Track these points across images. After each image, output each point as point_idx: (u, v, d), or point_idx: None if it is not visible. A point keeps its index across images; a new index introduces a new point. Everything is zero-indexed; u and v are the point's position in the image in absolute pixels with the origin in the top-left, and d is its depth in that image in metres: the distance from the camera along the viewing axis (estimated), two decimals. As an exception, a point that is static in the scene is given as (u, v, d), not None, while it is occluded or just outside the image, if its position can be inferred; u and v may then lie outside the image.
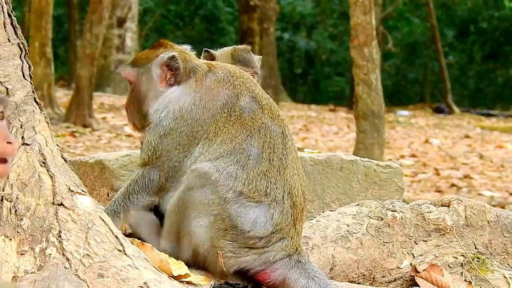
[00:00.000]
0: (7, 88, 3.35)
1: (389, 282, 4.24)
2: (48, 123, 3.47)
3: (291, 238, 3.64)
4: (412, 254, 4.28)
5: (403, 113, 27.42)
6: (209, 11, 35.57)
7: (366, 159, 5.18)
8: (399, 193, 5.14)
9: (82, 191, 3.36)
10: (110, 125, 17.46)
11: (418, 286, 4.19)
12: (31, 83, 3.45)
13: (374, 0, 10.51)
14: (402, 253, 4.27)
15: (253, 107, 3.70)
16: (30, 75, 3.46)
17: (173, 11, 36.43)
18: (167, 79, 3.80)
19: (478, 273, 4.29)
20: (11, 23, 3.42)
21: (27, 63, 3.46)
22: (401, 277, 4.26)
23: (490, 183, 13.35)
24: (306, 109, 27.81)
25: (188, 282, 3.47)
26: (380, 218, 4.28)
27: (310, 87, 39.28)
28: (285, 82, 34.31)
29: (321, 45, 38.04)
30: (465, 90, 38.70)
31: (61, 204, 3.27)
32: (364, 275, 4.21)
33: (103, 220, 3.32)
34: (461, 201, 4.45)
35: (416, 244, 4.30)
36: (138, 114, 3.87)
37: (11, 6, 3.45)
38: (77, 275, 3.15)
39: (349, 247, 4.18)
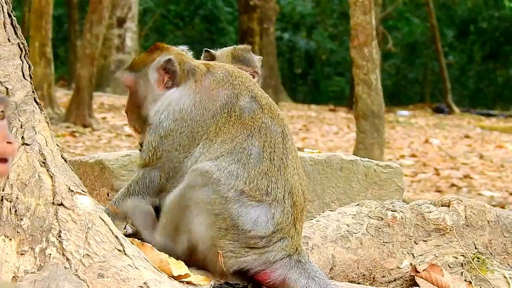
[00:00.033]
0: (7, 88, 3.35)
1: (389, 282, 4.24)
2: (48, 123, 3.47)
3: (291, 238, 3.64)
4: (412, 254, 4.28)
5: (403, 113, 27.41)
6: (209, 11, 35.57)
7: (366, 159, 5.18)
8: (399, 193, 5.14)
9: (82, 191, 3.36)
10: (110, 125, 17.46)
11: (418, 286, 4.18)
12: (31, 83, 3.45)
13: (374, 0, 10.51)
14: (402, 253, 4.27)
15: (253, 107, 3.70)
16: (30, 75, 3.46)
17: (173, 11, 36.41)
18: (164, 82, 3.80)
19: (478, 273, 4.29)
20: (11, 23, 3.42)
21: (27, 63, 3.46)
22: (401, 277, 4.26)
23: (490, 183, 13.35)
24: (306, 109, 27.81)
25: (188, 282, 3.47)
26: (380, 218, 4.28)
27: (310, 87, 39.28)
28: (285, 82, 34.31)
29: (321, 45, 38.03)
30: (465, 90, 38.70)
31: (61, 204, 3.27)
32: (364, 275, 4.20)
33: (103, 220, 3.32)
34: (461, 201, 4.45)
35: (416, 244, 4.30)
36: (138, 118, 3.88)
37: (11, 6, 3.45)
38: (77, 275, 3.15)
39: (349, 247, 4.18)
